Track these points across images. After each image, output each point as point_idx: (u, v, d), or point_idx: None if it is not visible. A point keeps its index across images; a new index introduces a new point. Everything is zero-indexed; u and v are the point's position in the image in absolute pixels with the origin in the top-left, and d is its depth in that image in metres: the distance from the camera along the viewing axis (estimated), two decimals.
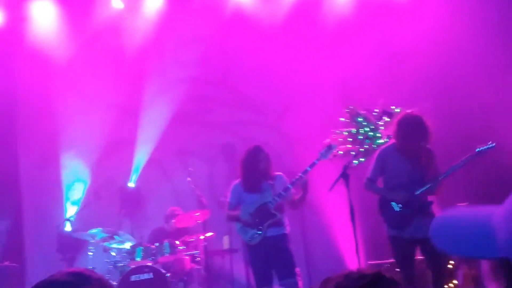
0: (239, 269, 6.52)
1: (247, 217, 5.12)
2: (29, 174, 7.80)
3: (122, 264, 6.37)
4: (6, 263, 6.30)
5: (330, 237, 7.40)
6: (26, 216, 7.75)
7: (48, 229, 7.51)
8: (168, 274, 6.24)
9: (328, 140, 6.19)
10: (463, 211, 1.12)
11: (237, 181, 5.29)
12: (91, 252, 6.50)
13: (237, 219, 5.18)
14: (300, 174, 5.05)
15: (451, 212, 1.12)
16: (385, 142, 6.53)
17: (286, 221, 5.23)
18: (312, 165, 5.04)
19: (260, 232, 5.07)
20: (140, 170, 7.73)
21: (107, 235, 6.45)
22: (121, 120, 7.83)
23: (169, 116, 7.81)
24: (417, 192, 4.73)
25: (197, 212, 6.75)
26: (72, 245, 7.13)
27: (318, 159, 5.06)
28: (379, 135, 7.29)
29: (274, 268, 5.01)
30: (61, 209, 7.63)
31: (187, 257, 6.57)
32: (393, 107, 6.64)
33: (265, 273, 5.04)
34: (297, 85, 7.86)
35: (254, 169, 5.15)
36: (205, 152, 7.86)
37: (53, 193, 7.63)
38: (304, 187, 5.07)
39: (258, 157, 5.16)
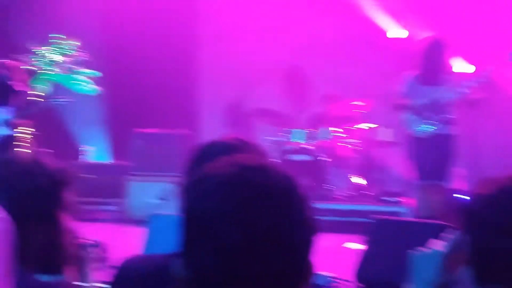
0: (398, 162, 6.43)
1: (420, 108, 5.00)
2: (206, 48, 8.17)
3: (282, 144, 6.63)
4: (183, 130, 6.82)
5: (504, 144, 6.85)
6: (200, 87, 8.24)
7: (222, 103, 7.93)
8: (326, 159, 6.38)
9: None
10: None
11: (410, 72, 5.14)
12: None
13: (407, 108, 5.08)
14: (482, 73, 4.79)
15: None
16: None
17: (457, 121, 5.10)
18: (498, 65, 4.68)
19: (432, 126, 4.97)
20: (304, 52, 7.64)
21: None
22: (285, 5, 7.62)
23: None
24: None
25: (361, 101, 6.66)
26: (239, 118, 7.57)
27: (508, 60, 4.67)
28: None
29: (433, 165, 5.00)
30: (234, 85, 7.90)
31: (347, 145, 6.62)
32: None
33: (430, 167, 5.02)
34: None
35: (435, 62, 4.97)
36: (371, 40, 7.43)
37: (228, 68, 7.84)
38: (488, 86, 4.74)
39: (441, 50, 4.97)
